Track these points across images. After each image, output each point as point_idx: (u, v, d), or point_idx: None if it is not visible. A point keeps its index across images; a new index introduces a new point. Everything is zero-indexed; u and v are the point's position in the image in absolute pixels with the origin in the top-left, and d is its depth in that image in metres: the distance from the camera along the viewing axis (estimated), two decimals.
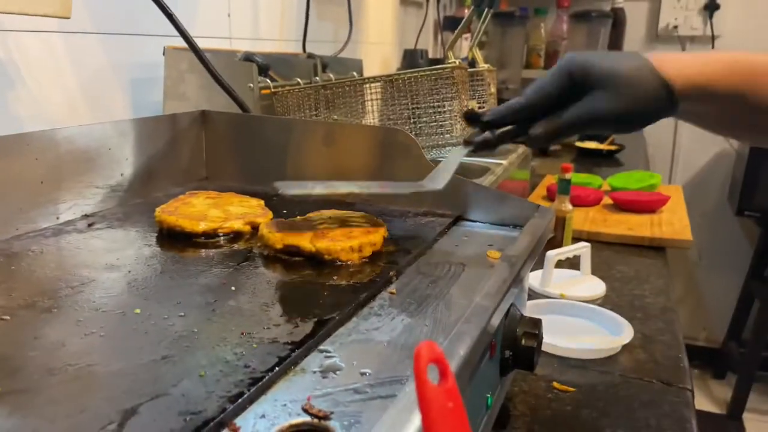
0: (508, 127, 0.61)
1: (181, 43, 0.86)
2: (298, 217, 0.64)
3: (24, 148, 0.61)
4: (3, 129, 0.77)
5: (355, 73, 1.09)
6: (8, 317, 0.43)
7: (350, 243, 0.55)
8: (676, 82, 0.54)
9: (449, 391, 0.24)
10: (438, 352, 0.24)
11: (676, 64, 0.54)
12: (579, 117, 0.56)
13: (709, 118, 0.60)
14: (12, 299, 0.46)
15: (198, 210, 0.64)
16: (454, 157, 0.62)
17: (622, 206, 1.32)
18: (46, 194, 0.63)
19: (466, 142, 0.61)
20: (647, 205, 1.30)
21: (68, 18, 0.68)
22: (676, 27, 2.49)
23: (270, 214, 0.65)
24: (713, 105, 0.56)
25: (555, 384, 0.69)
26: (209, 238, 0.60)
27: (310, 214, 0.64)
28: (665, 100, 0.54)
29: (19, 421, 0.32)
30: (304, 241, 0.55)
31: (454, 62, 0.93)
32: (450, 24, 2.35)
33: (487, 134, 0.60)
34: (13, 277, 0.50)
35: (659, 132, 2.59)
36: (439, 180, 0.60)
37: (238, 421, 0.33)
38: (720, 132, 0.65)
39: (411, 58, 1.89)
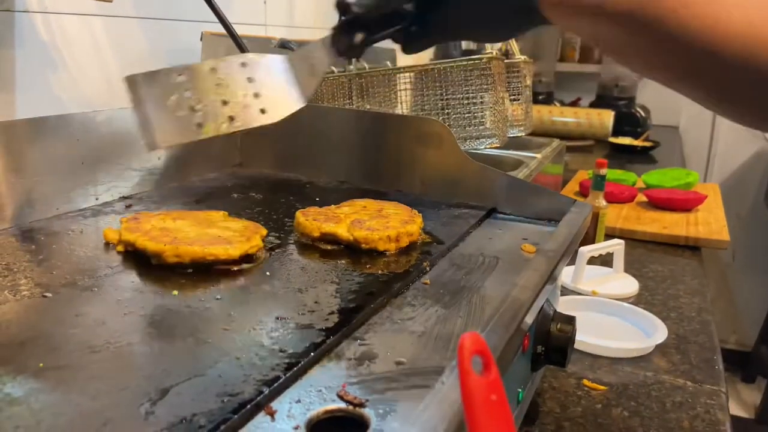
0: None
1: (218, 28, 0.86)
2: (333, 206, 0.64)
3: (66, 130, 0.62)
4: (45, 110, 0.79)
5: (388, 63, 1.08)
6: (50, 294, 0.44)
7: (387, 232, 0.55)
8: None
9: (493, 383, 0.23)
10: (482, 344, 0.24)
11: None
12: (437, 20, 0.50)
13: (591, 37, 0.45)
14: (53, 277, 0.47)
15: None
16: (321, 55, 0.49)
17: (657, 204, 1.29)
18: (86, 175, 0.64)
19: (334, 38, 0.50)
20: (683, 203, 1.27)
21: (111, 1, 0.69)
22: None
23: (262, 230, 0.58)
24: (592, 23, 0.42)
25: (585, 382, 0.68)
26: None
27: (344, 203, 0.64)
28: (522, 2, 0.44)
29: (61, 396, 0.33)
30: (342, 230, 0.55)
31: (491, 53, 0.92)
32: None
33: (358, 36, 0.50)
34: (54, 255, 0.51)
35: (696, 130, 2.53)
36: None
37: (274, 405, 0.33)
38: (614, 57, 0.46)
39: (444, 48, 1.88)
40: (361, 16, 0.49)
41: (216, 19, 0.81)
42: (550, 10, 0.44)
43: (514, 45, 1.10)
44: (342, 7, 0.49)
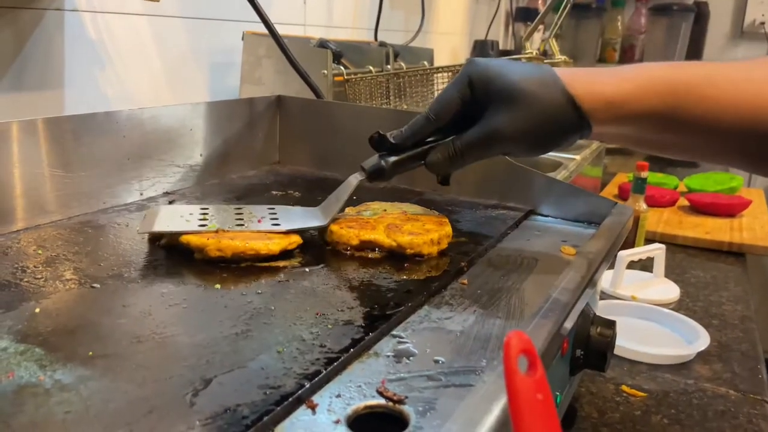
0: (409, 153, 0.54)
1: (259, 28, 0.87)
2: (350, 209, 0.61)
3: (113, 126, 0.64)
4: (92, 107, 0.81)
5: (425, 63, 1.08)
6: (98, 285, 0.45)
7: (430, 236, 0.54)
8: (584, 100, 0.48)
9: (538, 382, 0.23)
10: (528, 343, 0.24)
11: (587, 81, 0.49)
12: (479, 137, 0.51)
13: (631, 139, 0.53)
14: (101, 269, 0.48)
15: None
16: (347, 186, 0.55)
17: (700, 209, 1.26)
18: (131, 171, 0.66)
19: (362, 168, 0.54)
20: (727, 208, 1.24)
21: (158, 1, 0.71)
22: (762, 23, 2.35)
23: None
24: (633, 126, 0.49)
25: (624, 388, 0.67)
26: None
27: (360, 207, 0.62)
28: (573, 118, 0.49)
29: (109, 383, 0.34)
30: (381, 236, 0.54)
31: (531, 53, 0.91)
32: (522, 15, 2.30)
33: (381, 162, 0.53)
34: (101, 248, 0.53)
35: None
36: (327, 213, 0.56)
37: (315, 399, 0.34)
38: (648, 152, 0.56)
39: (481, 48, 1.87)
40: (396, 146, 0.54)
41: (257, 19, 0.83)
42: (599, 122, 0.49)
43: (554, 45, 1.09)
44: (376, 146, 0.54)
